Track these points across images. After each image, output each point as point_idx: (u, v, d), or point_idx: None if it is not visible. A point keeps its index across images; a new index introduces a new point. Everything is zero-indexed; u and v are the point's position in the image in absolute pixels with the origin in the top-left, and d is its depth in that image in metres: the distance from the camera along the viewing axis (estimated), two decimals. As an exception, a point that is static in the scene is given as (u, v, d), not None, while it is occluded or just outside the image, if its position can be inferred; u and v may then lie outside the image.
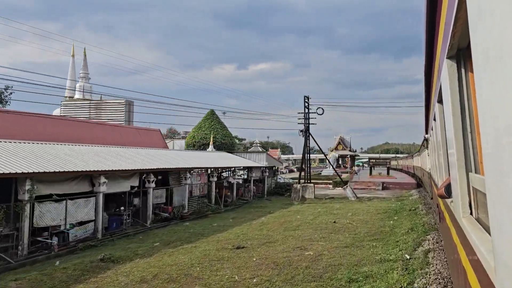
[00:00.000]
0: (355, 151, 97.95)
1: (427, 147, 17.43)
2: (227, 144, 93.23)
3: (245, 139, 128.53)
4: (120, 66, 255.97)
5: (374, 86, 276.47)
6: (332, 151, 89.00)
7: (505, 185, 1.15)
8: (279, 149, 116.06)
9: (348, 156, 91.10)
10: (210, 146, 78.44)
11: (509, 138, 1.06)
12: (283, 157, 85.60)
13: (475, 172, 2.44)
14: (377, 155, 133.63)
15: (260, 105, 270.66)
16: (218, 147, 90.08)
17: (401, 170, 71.91)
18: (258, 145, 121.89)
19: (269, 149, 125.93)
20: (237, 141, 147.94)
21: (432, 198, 14.89)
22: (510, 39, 0.99)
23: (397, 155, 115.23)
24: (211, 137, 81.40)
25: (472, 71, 2.18)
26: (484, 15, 1.26)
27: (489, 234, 1.68)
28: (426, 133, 12.94)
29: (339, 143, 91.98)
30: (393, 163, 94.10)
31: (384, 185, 39.63)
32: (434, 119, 5.52)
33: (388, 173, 50.91)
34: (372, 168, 59.62)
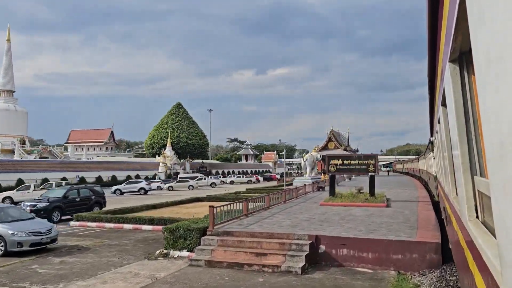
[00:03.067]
0: (356, 150, 79.68)
1: (432, 150, 17.36)
2: (195, 145, 78.82)
3: (245, 141, 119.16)
4: (140, 73, 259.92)
5: (396, 88, 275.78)
6: (319, 150, 64.22)
7: (509, 189, 1.14)
8: (275, 152, 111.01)
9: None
10: (167, 148, 69.73)
11: (511, 141, 1.06)
12: (287, 160, 76.53)
13: (480, 175, 2.44)
14: (393, 157, 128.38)
15: (278, 110, 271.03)
16: (183, 149, 76.10)
17: (407, 174, 70.56)
18: (249, 146, 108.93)
19: (264, 152, 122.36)
20: (228, 143, 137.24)
21: (438, 202, 14.78)
22: (511, 42, 1.00)
23: (408, 157, 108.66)
24: (169, 137, 71.69)
25: (474, 75, 2.19)
26: (485, 18, 1.27)
27: (495, 237, 1.68)
28: (431, 135, 12.90)
29: (330, 140, 69.52)
30: (398, 166, 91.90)
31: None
32: (439, 122, 5.52)
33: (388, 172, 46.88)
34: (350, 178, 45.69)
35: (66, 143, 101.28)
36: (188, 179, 47.18)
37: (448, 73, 2.75)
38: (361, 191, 19.12)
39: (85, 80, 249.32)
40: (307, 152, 53.23)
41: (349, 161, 18.63)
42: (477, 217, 2.62)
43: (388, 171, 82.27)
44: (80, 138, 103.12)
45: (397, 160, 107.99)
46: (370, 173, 18.13)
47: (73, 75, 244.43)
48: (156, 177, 58.86)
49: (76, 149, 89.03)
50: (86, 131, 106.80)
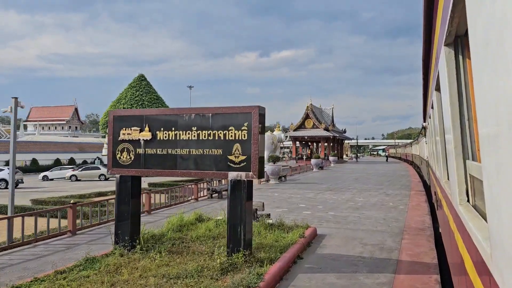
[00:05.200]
0: (344, 131, 68.44)
1: (425, 135, 17.47)
2: None
3: None
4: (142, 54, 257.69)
5: (402, 72, 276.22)
6: (294, 129, 54.83)
7: (501, 172, 1.17)
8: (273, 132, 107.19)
9: (326, 138, 55.34)
10: None
11: (506, 125, 1.08)
12: (286, 143, 67.03)
13: (472, 160, 2.47)
14: (393, 142, 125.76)
15: (281, 93, 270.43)
16: None
17: (399, 159, 70.74)
18: None
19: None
20: None
21: (430, 188, 14.99)
22: (510, 26, 0.99)
23: (398, 142, 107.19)
24: None
25: (470, 58, 2.18)
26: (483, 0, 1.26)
27: (486, 220, 1.71)
28: (424, 121, 12.95)
29: (307, 117, 55.34)
30: (392, 151, 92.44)
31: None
32: (432, 107, 5.54)
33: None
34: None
35: (26, 121, 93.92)
36: (99, 167, 38.34)
37: (443, 57, 2.76)
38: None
39: (87, 61, 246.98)
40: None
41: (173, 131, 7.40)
42: (468, 200, 2.66)
43: (387, 157, 77.84)
44: (41, 116, 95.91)
45: (396, 144, 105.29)
46: (232, 174, 6.87)
47: (75, 56, 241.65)
48: (96, 161, 52.18)
49: (36, 127, 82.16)
50: (47, 108, 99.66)
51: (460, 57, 2.65)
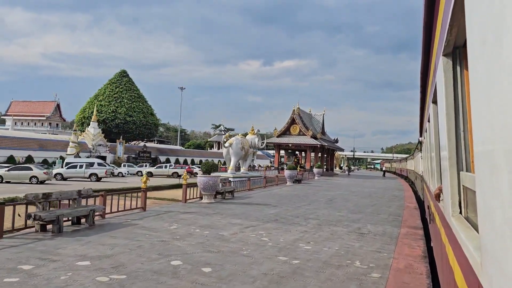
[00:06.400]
0: (335, 141, 64.25)
1: (420, 150, 17.56)
2: (136, 123, 61.94)
3: (220, 126, 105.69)
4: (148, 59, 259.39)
5: (404, 87, 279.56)
6: (278, 135, 50.27)
7: (495, 182, 1.19)
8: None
9: (314, 147, 49.76)
10: (91, 123, 54.49)
11: (501, 135, 1.09)
12: (270, 152, 58.79)
13: (466, 171, 2.46)
14: (390, 155, 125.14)
15: (283, 103, 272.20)
16: (120, 128, 61.03)
17: (394, 173, 70.67)
18: (223, 132, 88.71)
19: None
20: (213, 129, 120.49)
21: (423, 201, 14.98)
22: (508, 35, 0.98)
23: (395, 157, 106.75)
24: (95, 109, 55.89)
25: (467, 70, 2.19)
26: (482, 10, 1.26)
27: (477, 231, 1.71)
28: (420, 135, 13.01)
29: (293, 122, 50.54)
30: (387, 165, 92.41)
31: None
32: (429, 120, 5.56)
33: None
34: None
35: (5, 115, 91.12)
36: (30, 167, 32.04)
37: (441, 68, 2.78)
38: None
39: (90, 62, 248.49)
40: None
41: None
42: (461, 212, 2.66)
43: (384, 172, 71.87)
44: (21, 111, 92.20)
45: (393, 158, 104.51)
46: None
47: (79, 56, 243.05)
48: (58, 161, 46.48)
49: (16, 123, 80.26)
50: (28, 102, 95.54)
51: (458, 68, 2.68)
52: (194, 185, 16.98)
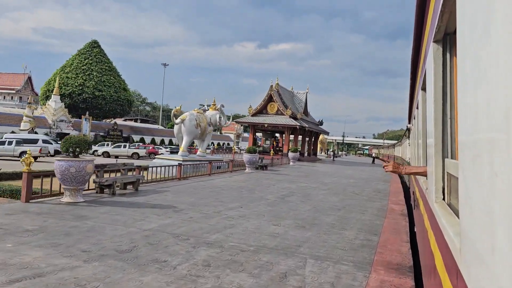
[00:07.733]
0: (320, 123, 58.37)
1: (408, 137, 17.73)
2: (106, 98, 56.75)
3: (204, 106, 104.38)
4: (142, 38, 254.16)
5: (399, 74, 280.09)
6: (252, 114, 43.41)
7: (477, 170, 1.22)
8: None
9: (293, 129, 43.61)
10: (52, 97, 49.54)
11: (485, 124, 1.11)
12: (259, 135, 54.68)
13: (451, 158, 2.49)
14: (381, 141, 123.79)
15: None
16: (88, 103, 56.78)
17: (382, 160, 71.34)
18: (206, 107, 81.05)
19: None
20: (170, 105, 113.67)
21: (409, 188, 15.19)
22: (496, 23, 0.97)
23: (386, 142, 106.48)
24: (57, 82, 50.85)
25: (457, 57, 2.18)
26: None
27: (458, 217, 1.74)
28: (409, 122, 13.12)
29: (270, 99, 43.99)
30: (375, 151, 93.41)
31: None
32: (417, 107, 5.59)
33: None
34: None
35: None
36: None
37: (431, 54, 2.79)
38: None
39: (83, 39, 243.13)
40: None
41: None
42: (444, 199, 2.71)
43: (374, 158, 66.52)
44: None
45: (383, 144, 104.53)
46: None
47: (71, 32, 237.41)
48: (5, 136, 38.32)
49: None
50: None
51: (448, 55, 2.70)
52: (52, 173, 10.57)
